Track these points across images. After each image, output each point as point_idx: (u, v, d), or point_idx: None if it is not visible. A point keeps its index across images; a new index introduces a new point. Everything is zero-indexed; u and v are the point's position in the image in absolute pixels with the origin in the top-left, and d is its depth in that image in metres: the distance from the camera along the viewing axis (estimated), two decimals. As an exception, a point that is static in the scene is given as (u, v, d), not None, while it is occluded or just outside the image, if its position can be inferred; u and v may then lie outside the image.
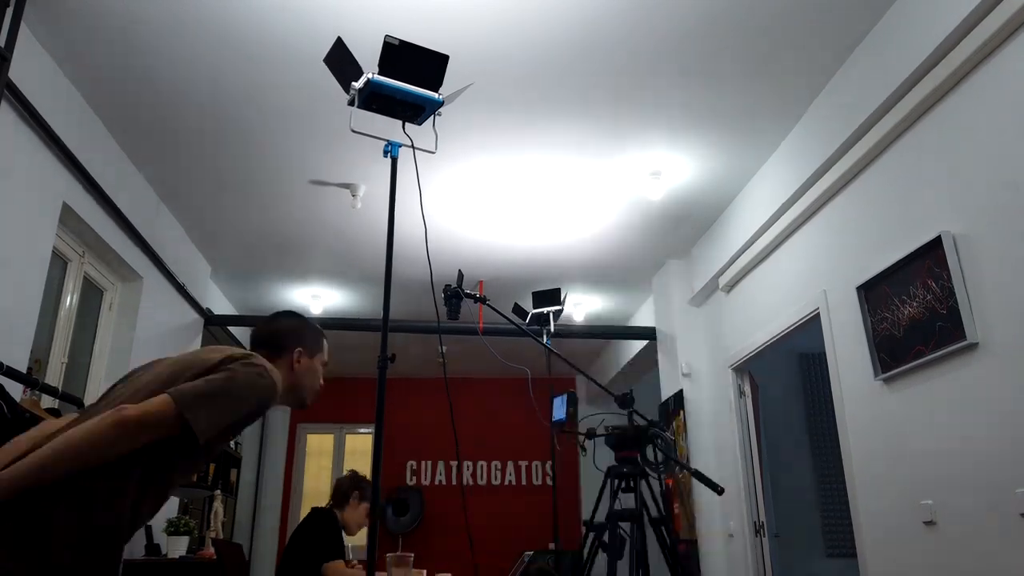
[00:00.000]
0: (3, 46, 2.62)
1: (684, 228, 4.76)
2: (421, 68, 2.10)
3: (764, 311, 4.18)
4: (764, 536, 4.19)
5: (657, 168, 4.01)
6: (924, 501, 2.75)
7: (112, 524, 1.45)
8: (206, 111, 3.49)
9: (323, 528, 3.37)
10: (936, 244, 2.68)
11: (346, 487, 3.57)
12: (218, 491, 5.67)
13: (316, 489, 7.77)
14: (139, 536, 4.06)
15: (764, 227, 4.01)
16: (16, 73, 2.80)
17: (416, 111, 2.18)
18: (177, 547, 3.92)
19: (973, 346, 2.52)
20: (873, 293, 3.09)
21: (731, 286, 4.61)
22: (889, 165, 3.05)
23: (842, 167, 3.29)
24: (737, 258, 4.39)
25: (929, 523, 2.73)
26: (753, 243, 4.18)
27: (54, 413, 2.74)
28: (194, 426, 1.46)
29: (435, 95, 2.14)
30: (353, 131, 2.22)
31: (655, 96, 3.41)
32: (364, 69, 2.11)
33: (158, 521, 4.23)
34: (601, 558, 2.92)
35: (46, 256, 3.17)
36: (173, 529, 3.96)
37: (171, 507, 4.58)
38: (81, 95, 3.36)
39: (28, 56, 2.93)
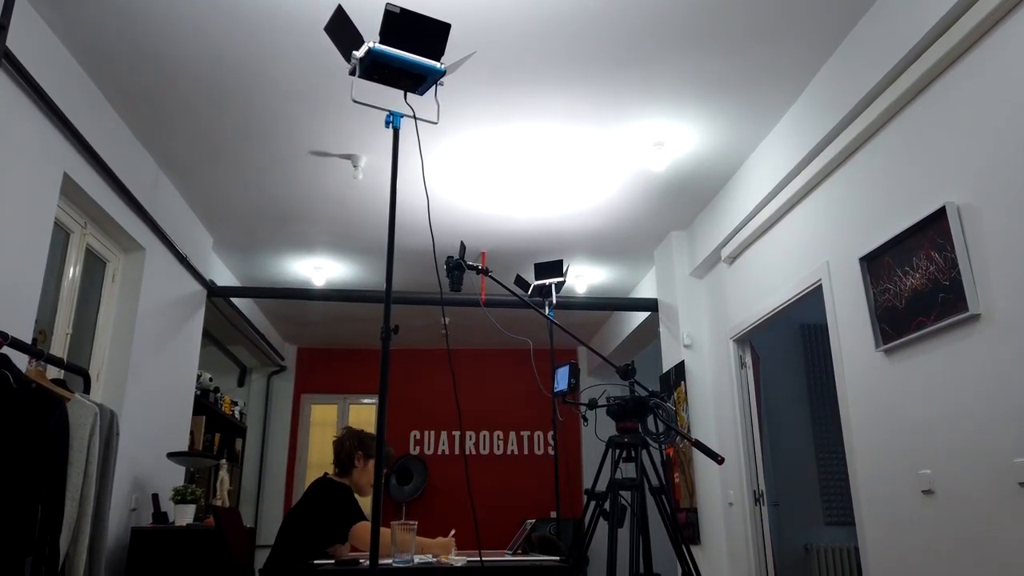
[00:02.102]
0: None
1: (687, 199, 4.74)
2: (422, 37, 2.08)
3: (766, 282, 4.18)
4: (763, 505, 4.24)
5: (660, 138, 3.98)
6: (923, 471, 2.78)
7: None
8: (205, 80, 3.47)
9: (337, 499, 3.13)
10: (940, 215, 2.67)
11: (349, 449, 3.25)
12: (224, 460, 5.74)
13: (320, 459, 7.86)
14: (147, 504, 4.12)
15: (767, 198, 3.99)
16: (13, 42, 2.78)
17: (418, 81, 2.16)
18: (184, 515, 3.98)
19: (975, 317, 2.53)
20: (875, 264, 3.09)
21: (733, 258, 4.61)
22: (894, 136, 3.03)
23: (847, 137, 3.26)
24: (740, 230, 4.38)
25: (927, 492, 2.76)
26: (756, 215, 4.17)
27: (60, 384, 2.76)
28: None
29: (437, 64, 2.12)
30: (354, 101, 2.20)
31: (659, 65, 3.37)
32: (365, 38, 2.09)
33: (165, 490, 4.29)
34: (602, 526, 2.96)
35: (48, 227, 3.17)
36: (180, 497, 4.02)
37: (178, 476, 4.64)
38: (79, 64, 3.34)
39: (25, 25, 2.90)
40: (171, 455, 4.30)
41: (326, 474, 3.29)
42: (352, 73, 2.10)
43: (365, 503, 3.23)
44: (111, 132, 3.67)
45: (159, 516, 4.04)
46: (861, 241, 3.22)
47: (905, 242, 2.88)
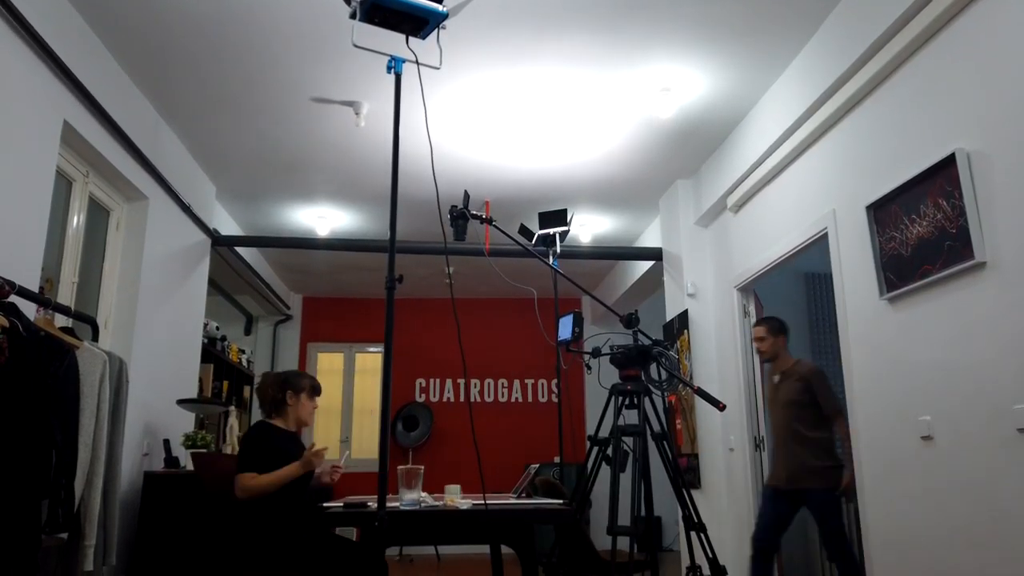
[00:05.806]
0: (-9, -44, 2.53)
1: (693, 147, 4.68)
2: (424, -22, 2.03)
3: (772, 231, 4.16)
4: (763, 451, 4.31)
5: (667, 84, 3.91)
6: (922, 417, 2.81)
7: None
8: (204, 26, 3.40)
9: (252, 443, 3.01)
10: (949, 162, 2.63)
11: (274, 393, 3.12)
12: (232, 407, 5.83)
13: (329, 404, 7.97)
14: (159, 449, 4.20)
15: (774, 146, 3.94)
16: (7, -14, 2.72)
17: (420, 24, 2.11)
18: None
19: (981, 265, 2.52)
20: (882, 212, 3.06)
21: (739, 206, 4.57)
22: (904, 82, 2.97)
23: (856, 83, 3.20)
24: (746, 178, 4.33)
25: (926, 438, 2.80)
26: (763, 162, 4.12)
27: (68, 332, 2.79)
28: None
29: (439, 7, 2.07)
30: (355, 46, 2.16)
31: (667, 7, 3.29)
32: (365, -20, 2.04)
33: (176, 435, 4.37)
34: (604, 471, 3.02)
35: (50, 175, 3.15)
36: (191, 443, 4.10)
37: (188, 422, 4.72)
38: (78, 12, 3.27)
39: (18, -33, 2.83)
40: (181, 402, 4.36)
41: (262, 420, 3.17)
42: (352, 16, 2.05)
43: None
44: (110, 80, 3.62)
45: (171, 460, 4.12)
46: (868, 189, 3.19)
47: (913, 190, 2.85)
